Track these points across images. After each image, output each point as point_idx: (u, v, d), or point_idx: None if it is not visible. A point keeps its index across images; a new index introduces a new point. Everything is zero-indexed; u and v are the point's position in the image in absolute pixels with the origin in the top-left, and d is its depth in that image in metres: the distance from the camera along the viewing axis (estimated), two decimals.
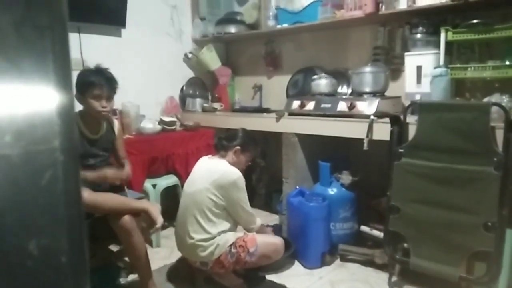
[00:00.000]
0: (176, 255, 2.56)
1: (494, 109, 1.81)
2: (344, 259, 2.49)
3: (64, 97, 0.34)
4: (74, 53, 2.80)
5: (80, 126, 2.04)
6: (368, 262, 2.40)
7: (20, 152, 0.32)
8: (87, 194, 1.84)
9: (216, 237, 2.03)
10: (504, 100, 1.92)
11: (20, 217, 0.32)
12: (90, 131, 2.09)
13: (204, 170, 2.15)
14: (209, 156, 2.27)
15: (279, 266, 2.37)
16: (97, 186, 2.06)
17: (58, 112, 0.34)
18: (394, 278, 2.19)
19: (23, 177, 0.32)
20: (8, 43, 0.31)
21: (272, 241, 2.15)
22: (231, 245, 2.04)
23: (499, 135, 1.80)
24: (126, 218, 1.90)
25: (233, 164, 2.15)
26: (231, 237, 2.07)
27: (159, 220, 1.93)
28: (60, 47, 0.34)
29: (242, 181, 2.09)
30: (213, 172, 2.08)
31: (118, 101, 2.65)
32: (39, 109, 0.34)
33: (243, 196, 2.10)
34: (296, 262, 2.48)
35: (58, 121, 0.34)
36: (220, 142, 2.23)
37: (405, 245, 2.07)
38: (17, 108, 0.33)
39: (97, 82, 1.98)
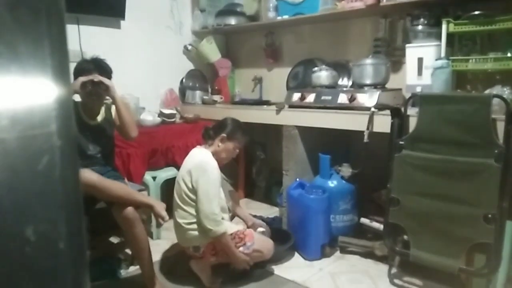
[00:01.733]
0: (177, 247, 2.57)
1: (495, 101, 1.80)
2: (344, 251, 2.50)
3: (61, 82, 0.34)
4: (73, 45, 2.78)
5: (79, 112, 2.11)
6: (368, 254, 2.41)
7: (17, 137, 0.31)
8: (96, 177, 1.87)
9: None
10: (506, 92, 1.91)
11: (16, 202, 0.32)
12: (89, 116, 2.15)
13: (187, 160, 2.19)
14: (198, 146, 2.28)
15: (279, 258, 2.38)
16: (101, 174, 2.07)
17: (55, 96, 0.34)
18: (394, 270, 2.20)
19: (19, 162, 0.32)
20: (3, 25, 0.30)
21: (267, 240, 2.24)
22: (229, 235, 2.08)
23: (500, 127, 1.79)
24: (129, 209, 1.92)
25: (219, 151, 2.17)
26: (229, 227, 2.10)
27: (165, 217, 1.96)
28: (56, 31, 0.34)
29: (214, 173, 2.06)
30: (191, 161, 2.13)
31: (118, 93, 2.64)
32: (36, 93, 0.33)
33: (207, 187, 2.01)
34: (296, 254, 2.48)
35: (55, 105, 0.33)
36: (207, 132, 2.25)
37: (405, 237, 2.07)
38: (13, 92, 0.32)
39: (86, 69, 2.04)
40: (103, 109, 2.22)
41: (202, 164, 2.08)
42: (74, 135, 0.36)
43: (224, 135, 2.18)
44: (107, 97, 2.13)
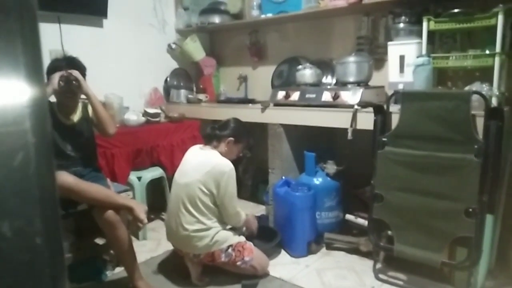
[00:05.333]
0: (163, 247, 2.56)
1: (475, 97, 1.84)
2: (329, 247, 2.52)
3: (35, 79, 0.34)
4: (55, 44, 2.75)
5: (55, 112, 2.08)
6: (353, 250, 2.44)
7: None
8: (72, 179, 1.83)
9: (212, 228, 2.05)
10: (484, 88, 1.95)
11: None
12: (65, 116, 2.12)
13: (197, 161, 2.15)
14: (201, 146, 2.26)
15: (266, 255, 2.38)
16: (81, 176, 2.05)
17: (29, 94, 0.33)
18: (378, 265, 2.23)
19: None
20: None
21: (264, 258, 2.22)
22: (229, 246, 2.09)
23: (480, 123, 1.83)
24: (110, 212, 1.90)
25: (224, 154, 2.16)
26: (231, 238, 2.11)
27: (144, 220, 1.93)
28: (29, 29, 0.33)
29: (233, 174, 2.10)
30: (206, 164, 2.08)
31: (101, 92, 2.62)
32: (8, 91, 0.33)
33: (232, 190, 2.10)
34: (283, 251, 2.50)
35: (29, 102, 0.33)
36: (213, 131, 2.23)
37: (389, 232, 2.10)
38: None
39: (58, 66, 2.02)
40: (79, 108, 2.19)
41: (222, 167, 2.06)
42: (49, 132, 0.36)
43: (231, 139, 2.19)
44: (83, 96, 2.11)
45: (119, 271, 2.26)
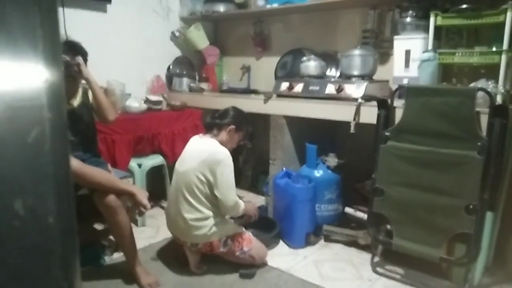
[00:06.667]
0: (162, 234, 2.57)
1: (480, 94, 1.83)
2: (328, 239, 2.53)
3: (52, 56, 0.33)
4: None
5: None
6: (352, 243, 2.44)
7: (4, 108, 0.30)
8: (76, 163, 1.82)
9: (210, 218, 2.05)
10: (490, 85, 1.94)
11: (4, 174, 0.30)
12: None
13: (194, 149, 2.14)
14: (200, 135, 2.25)
15: (265, 245, 2.39)
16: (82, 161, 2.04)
17: (47, 70, 0.32)
18: (376, 259, 2.24)
19: (7, 133, 0.30)
20: None
21: (262, 247, 2.24)
22: (228, 236, 2.10)
23: (484, 120, 1.82)
24: (111, 196, 1.89)
25: (225, 143, 2.15)
26: (230, 229, 2.12)
27: (147, 205, 1.92)
28: (47, 7, 0.32)
29: (229, 162, 2.07)
30: (202, 151, 2.07)
31: (103, 78, 2.60)
32: (26, 66, 0.32)
33: (229, 178, 2.06)
34: (281, 242, 2.50)
35: (46, 78, 0.32)
36: (214, 120, 2.21)
37: (388, 226, 2.11)
38: (1, 65, 0.31)
39: None
40: (80, 93, 2.17)
41: (217, 155, 2.04)
42: (65, 110, 0.35)
43: (233, 126, 2.17)
44: (83, 81, 2.09)
45: (117, 257, 2.27)
